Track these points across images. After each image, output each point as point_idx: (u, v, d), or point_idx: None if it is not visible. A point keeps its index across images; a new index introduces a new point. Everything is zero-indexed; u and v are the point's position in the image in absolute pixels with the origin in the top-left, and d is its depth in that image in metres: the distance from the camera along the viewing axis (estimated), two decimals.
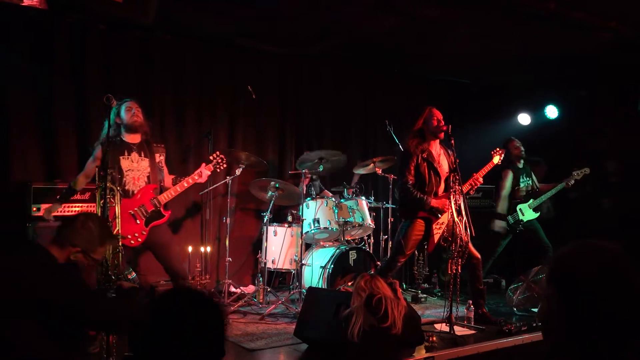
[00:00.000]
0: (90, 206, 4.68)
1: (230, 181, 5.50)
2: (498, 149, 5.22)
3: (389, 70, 7.32)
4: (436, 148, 4.86)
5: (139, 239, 4.27)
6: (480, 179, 4.89)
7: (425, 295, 5.90)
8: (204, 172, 4.63)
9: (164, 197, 4.42)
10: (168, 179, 4.68)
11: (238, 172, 5.37)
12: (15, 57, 4.98)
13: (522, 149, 6.22)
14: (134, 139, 4.42)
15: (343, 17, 5.34)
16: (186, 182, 4.55)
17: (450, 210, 4.55)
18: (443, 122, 4.77)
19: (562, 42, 5.76)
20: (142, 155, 4.42)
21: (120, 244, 3.62)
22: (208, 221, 5.85)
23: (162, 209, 4.41)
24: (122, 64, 5.58)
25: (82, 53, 5.35)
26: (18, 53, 4.99)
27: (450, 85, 7.80)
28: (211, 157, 4.76)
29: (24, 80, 5.06)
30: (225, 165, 4.84)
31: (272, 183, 5.38)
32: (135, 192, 4.34)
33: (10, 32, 4.96)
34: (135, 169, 4.35)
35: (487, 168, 5.03)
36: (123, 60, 5.58)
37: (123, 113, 4.35)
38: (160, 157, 4.63)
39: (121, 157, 4.30)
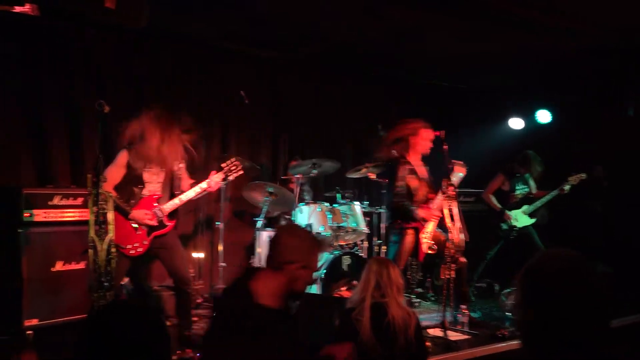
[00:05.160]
0: (83, 212, 4.61)
1: (223, 186, 5.47)
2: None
3: (381, 74, 7.32)
4: (414, 159, 5.04)
5: (140, 249, 4.07)
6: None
7: (419, 300, 5.90)
8: (213, 179, 4.27)
9: (169, 207, 4.12)
10: (187, 184, 4.34)
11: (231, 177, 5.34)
12: (6, 63, 4.95)
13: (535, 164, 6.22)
14: None
15: (333, 22, 5.36)
16: (193, 192, 4.20)
17: (438, 218, 4.69)
18: (432, 145, 4.94)
19: (553, 47, 5.79)
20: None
21: (114, 250, 3.59)
22: (201, 226, 5.84)
23: (165, 219, 4.12)
24: (114, 69, 5.56)
25: (73, 58, 5.34)
26: (10, 58, 4.97)
27: (442, 89, 7.82)
28: (223, 165, 4.38)
29: (16, 85, 5.03)
30: (241, 172, 4.45)
31: (266, 188, 5.37)
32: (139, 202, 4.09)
33: (1, 38, 4.91)
34: (155, 181, 4.13)
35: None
36: (115, 65, 5.56)
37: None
38: (179, 164, 4.24)
39: (144, 170, 4.10)
